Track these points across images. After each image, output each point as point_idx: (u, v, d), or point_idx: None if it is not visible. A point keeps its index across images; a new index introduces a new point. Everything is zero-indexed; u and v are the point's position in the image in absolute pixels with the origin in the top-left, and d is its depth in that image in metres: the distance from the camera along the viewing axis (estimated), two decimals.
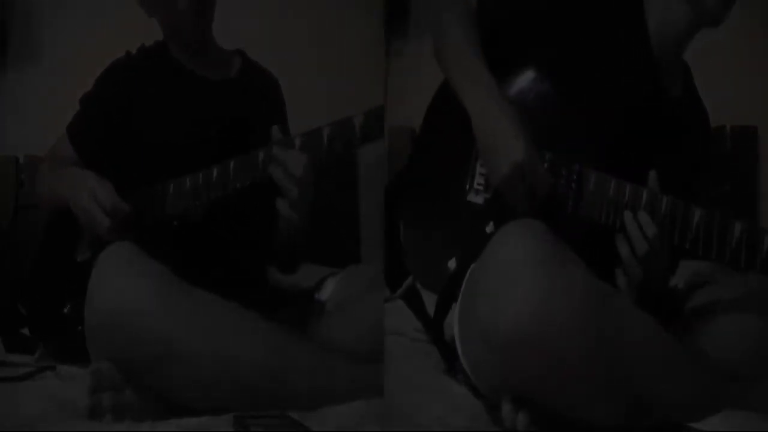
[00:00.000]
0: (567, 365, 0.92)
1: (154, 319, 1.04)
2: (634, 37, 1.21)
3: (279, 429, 0.97)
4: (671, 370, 0.98)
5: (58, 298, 1.32)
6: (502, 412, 0.98)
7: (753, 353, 1.04)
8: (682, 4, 1.18)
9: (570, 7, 1.20)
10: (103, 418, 1.02)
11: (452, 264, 1.17)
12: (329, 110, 1.64)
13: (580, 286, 0.94)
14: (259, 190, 1.23)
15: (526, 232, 1.00)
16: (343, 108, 1.85)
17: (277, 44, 1.59)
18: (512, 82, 1.22)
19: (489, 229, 1.16)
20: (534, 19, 1.21)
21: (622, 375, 0.94)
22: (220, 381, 1.04)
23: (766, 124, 1.80)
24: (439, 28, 1.26)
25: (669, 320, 1.03)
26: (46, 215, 1.46)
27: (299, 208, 1.18)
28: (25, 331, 1.36)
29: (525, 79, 1.22)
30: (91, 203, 1.29)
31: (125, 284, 1.05)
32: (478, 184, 1.22)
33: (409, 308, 1.22)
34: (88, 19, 2.00)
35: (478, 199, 1.22)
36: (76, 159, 1.43)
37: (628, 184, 1.12)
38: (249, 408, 1.02)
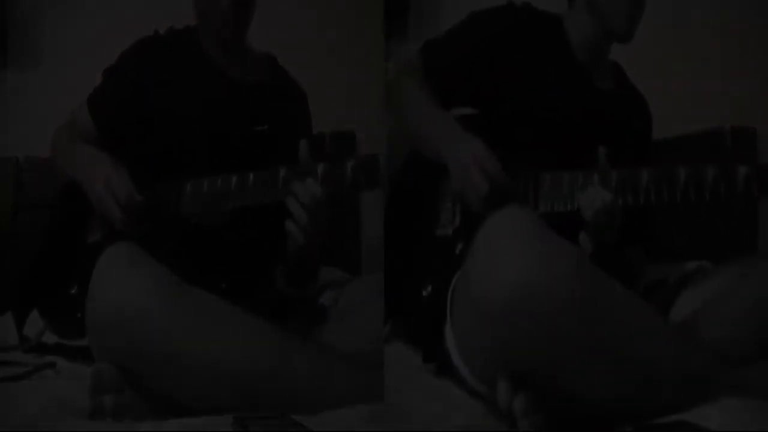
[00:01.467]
0: (558, 333, 0.93)
1: (155, 320, 1.04)
2: (559, 53, 1.39)
3: (279, 429, 0.98)
4: (659, 344, 1.00)
5: (66, 279, 1.32)
6: (498, 394, 0.98)
7: (749, 335, 1.05)
8: (595, 26, 1.38)
9: (501, 48, 1.36)
10: (104, 419, 1.02)
11: (427, 291, 1.23)
12: (328, 111, 1.65)
13: (570, 257, 0.97)
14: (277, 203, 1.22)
15: (516, 212, 1.03)
16: (343, 109, 1.86)
17: (275, 44, 1.59)
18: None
19: (458, 250, 1.26)
20: (473, 65, 1.37)
21: (610, 347, 0.95)
22: (220, 383, 1.04)
23: (765, 125, 1.80)
24: (398, 100, 1.43)
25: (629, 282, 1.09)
26: (57, 190, 1.45)
27: (307, 233, 1.18)
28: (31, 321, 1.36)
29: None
30: (105, 193, 1.28)
31: (126, 286, 1.05)
32: (445, 218, 1.33)
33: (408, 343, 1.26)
34: (88, 20, 2.00)
35: (447, 231, 1.32)
36: (94, 131, 1.42)
37: (580, 172, 1.24)
38: (249, 410, 1.02)
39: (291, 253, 1.25)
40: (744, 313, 1.07)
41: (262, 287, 1.39)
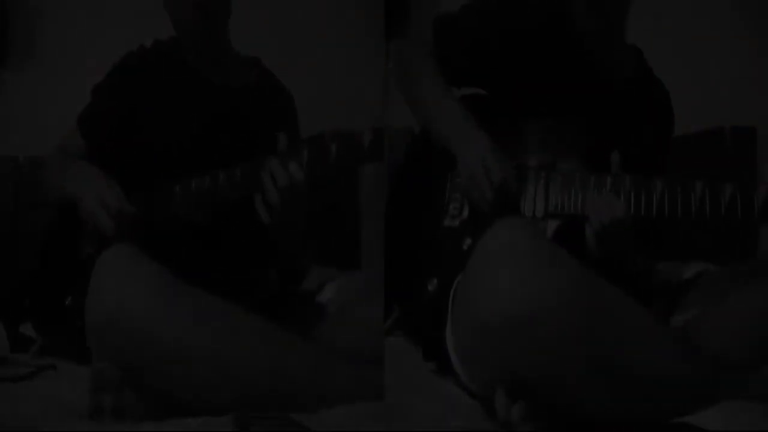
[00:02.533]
0: (557, 346, 0.93)
1: (154, 320, 1.04)
2: (567, 42, 1.32)
3: (279, 429, 0.98)
4: (660, 354, 0.99)
5: (60, 291, 1.32)
6: (496, 402, 0.98)
7: (750, 340, 1.05)
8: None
9: (512, 31, 1.33)
10: (103, 419, 1.03)
11: (432, 285, 1.23)
12: (329, 111, 1.65)
13: (570, 270, 0.97)
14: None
15: (517, 224, 1.03)
16: (343, 109, 1.86)
17: (275, 44, 1.59)
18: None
19: (466, 245, 1.25)
20: (484, 45, 1.34)
21: (611, 358, 0.95)
22: (220, 383, 1.05)
23: (765, 125, 1.80)
24: (408, 77, 1.41)
25: (638, 293, 1.07)
26: (50, 208, 1.46)
27: (278, 213, 1.18)
28: (28, 325, 1.36)
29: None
30: (96, 206, 1.29)
31: (125, 286, 1.06)
32: (453, 209, 1.31)
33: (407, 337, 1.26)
34: (89, 19, 2.00)
35: (454, 223, 1.30)
36: (85, 150, 1.43)
37: (591, 175, 1.22)
38: (249, 409, 1.02)
39: (279, 246, 1.25)
40: (745, 319, 1.06)
41: (260, 286, 1.39)
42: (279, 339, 1.10)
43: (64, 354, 1.26)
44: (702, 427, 0.91)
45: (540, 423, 0.96)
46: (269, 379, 1.06)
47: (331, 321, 1.26)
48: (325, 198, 1.23)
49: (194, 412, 1.03)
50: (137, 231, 1.30)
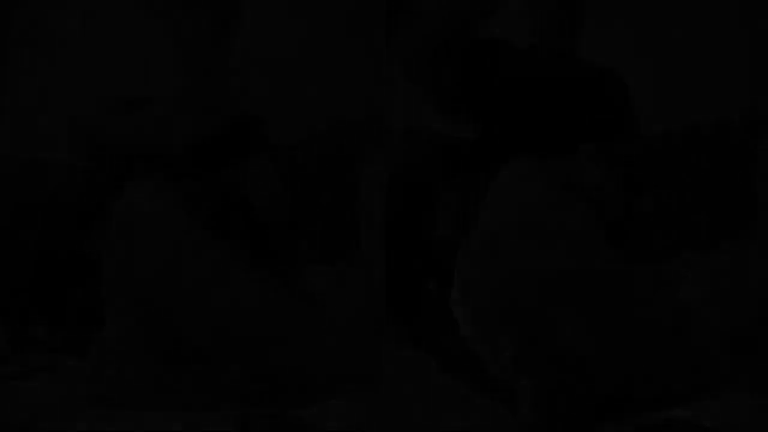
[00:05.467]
0: (562, 285, 0.98)
1: (169, 253, 1.05)
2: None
3: (279, 428, 0.98)
4: (661, 323, 1.01)
5: (68, 283, 1.33)
6: (499, 347, 0.99)
7: (752, 318, 1.06)
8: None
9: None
10: (101, 387, 1.03)
11: (433, 285, 1.27)
12: (329, 111, 1.65)
13: (579, 220, 1.03)
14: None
15: (532, 162, 1.08)
16: (342, 108, 1.86)
17: (275, 44, 1.59)
18: None
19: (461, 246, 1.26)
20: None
21: (614, 313, 1.00)
22: (228, 323, 1.06)
23: (765, 125, 1.80)
24: None
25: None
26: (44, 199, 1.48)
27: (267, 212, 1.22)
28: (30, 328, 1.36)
29: None
30: None
31: (150, 200, 1.11)
32: (446, 218, 1.34)
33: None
34: (89, 20, 2.00)
35: (447, 231, 1.33)
36: None
37: (572, 157, 1.25)
38: (250, 357, 1.04)
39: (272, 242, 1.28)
40: (747, 297, 1.07)
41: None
42: (289, 304, 1.11)
43: (68, 350, 1.26)
44: (702, 425, 0.91)
45: (545, 401, 0.98)
46: (274, 337, 1.09)
47: (332, 318, 1.27)
48: (325, 196, 1.24)
49: (199, 360, 1.04)
50: None
